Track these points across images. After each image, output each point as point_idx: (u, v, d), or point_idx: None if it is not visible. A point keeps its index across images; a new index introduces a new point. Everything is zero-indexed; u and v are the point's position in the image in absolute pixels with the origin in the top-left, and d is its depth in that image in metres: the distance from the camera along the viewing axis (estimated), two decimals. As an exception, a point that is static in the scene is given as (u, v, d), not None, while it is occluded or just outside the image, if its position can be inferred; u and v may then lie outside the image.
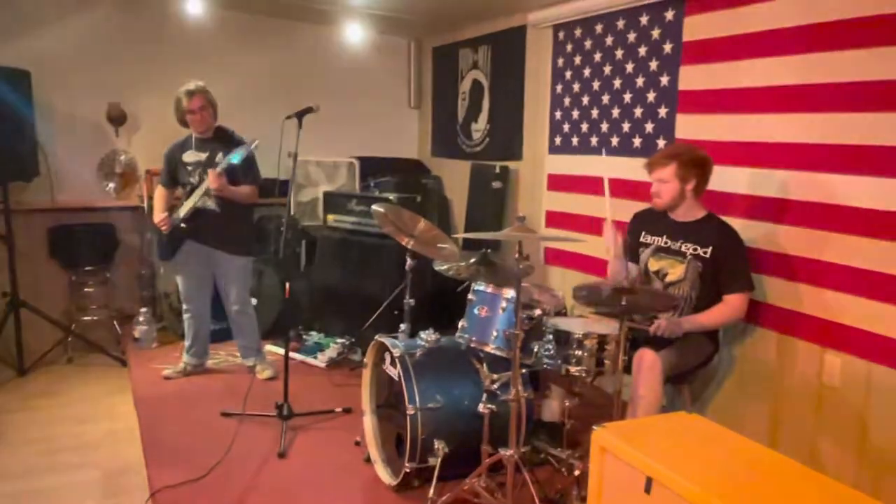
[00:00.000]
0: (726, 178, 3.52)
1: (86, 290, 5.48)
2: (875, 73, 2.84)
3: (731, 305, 3.12)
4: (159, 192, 4.49)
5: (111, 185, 5.58)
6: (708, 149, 3.55)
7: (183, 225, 4.26)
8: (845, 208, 3.02)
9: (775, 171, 3.34)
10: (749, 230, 3.37)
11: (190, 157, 4.29)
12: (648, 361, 2.95)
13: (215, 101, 4.30)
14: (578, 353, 2.90)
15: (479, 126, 5.74)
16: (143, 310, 5.29)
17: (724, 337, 3.49)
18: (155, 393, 4.35)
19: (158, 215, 4.33)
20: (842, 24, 2.97)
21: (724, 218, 3.28)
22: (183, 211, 4.25)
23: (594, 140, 4.50)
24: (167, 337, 5.35)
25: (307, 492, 3.19)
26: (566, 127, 4.74)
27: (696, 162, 3.15)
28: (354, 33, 5.92)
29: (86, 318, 5.42)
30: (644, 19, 4.04)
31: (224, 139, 4.30)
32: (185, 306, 4.53)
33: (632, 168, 3.96)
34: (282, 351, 3.90)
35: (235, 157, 3.98)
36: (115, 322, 5.50)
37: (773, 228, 3.37)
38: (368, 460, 3.36)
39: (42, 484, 3.32)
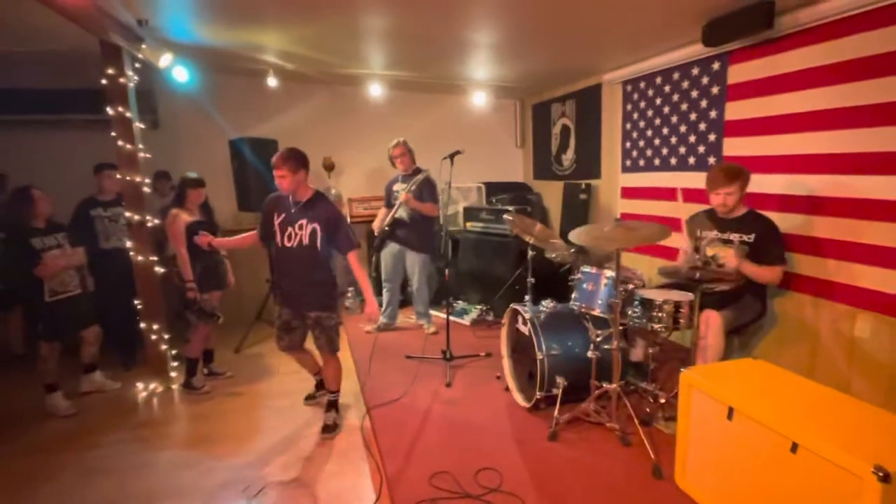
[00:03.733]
0: (764, 183, 3.22)
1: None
2: (880, 97, 2.59)
3: (771, 271, 2.83)
4: (381, 211, 4.66)
5: (326, 209, 5.78)
6: (747, 162, 3.27)
7: (387, 229, 4.39)
8: (863, 200, 2.72)
9: (802, 175, 3.04)
10: (785, 221, 3.04)
11: (398, 186, 4.39)
12: (713, 319, 2.75)
13: (412, 149, 4.39)
14: (659, 314, 2.70)
15: (568, 156, 5.51)
16: (350, 288, 5.45)
17: (770, 301, 3.14)
18: (362, 342, 4.46)
19: (377, 225, 4.58)
20: (853, 62, 2.71)
21: (763, 212, 3.00)
22: (387, 220, 4.37)
23: (657, 161, 4.18)
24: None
25: (468, 410, 3.15)
26: (634, 153, 4.45)
27: (747, 177, 2.92)
28: (479, 98, 5.85)
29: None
30: (696, 70, 3.70)
31: (415, 173, 4.34)
32: (386, 284, 4.61)
33: (687, 179, 3.71)
34: (443, 315, 3.90)
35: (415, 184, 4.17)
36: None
37: (805, 219, 3.04)
38: (507, 389, 3.29)
39: (299, 401, 3.47)
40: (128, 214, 3.69)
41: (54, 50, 3.68)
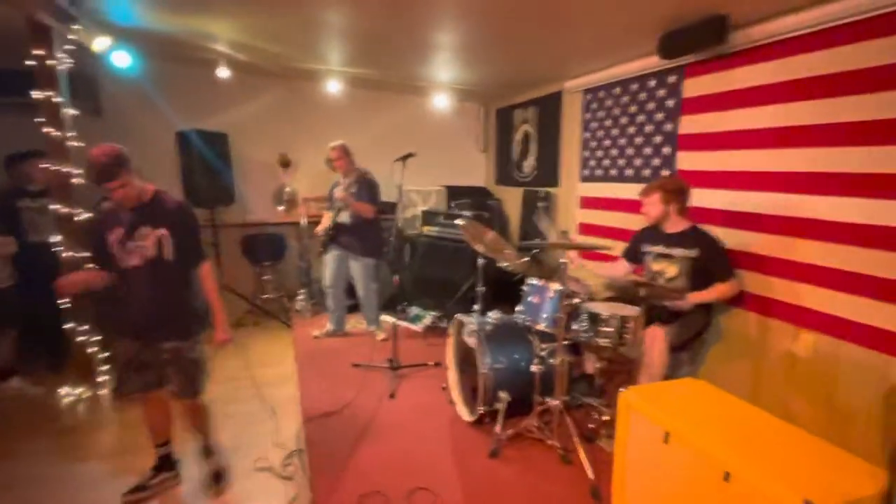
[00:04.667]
0: (713, 198, 3.22)
1: (265, 277, 5.49)
2: (829, 117, 2.58)
3: (728, 287, 2.82)
4: (325, 216, 4.40)
5: (281, 207, 5.58)
6: (699, 176, 3.27)
7: (331, 233, 4.24)
8: (808, 220, 2.72)
9: (748, 192, 3.03)
10: (730, 237, 3.05)
11: (338, 190, 4.20)
12: (658, 335, 2.71)
13: (351, 152, 4.20)
14: (606, 329, 2.64)
15: (529, 163, 5.46)
16: (302, 291, 5.27)
17: (714, 318, 3.13)
18: (309, 348, 4.30)
19: (319, 229, 4.37)
20: (804, 81, 2.70)
21: (709, 226, 3.00)
22: (328, 224, 4.21)
23: (613, 171, 4.15)
24: (317, 309, 5.31)
25: (410, 424, 3.03)
26: (592, 162, 4.41)
27: (672, 192, 2.92)
28: (441, 101, 5.74)
29: (265, 296, 5.43)
30: (653, 82, 3.68)
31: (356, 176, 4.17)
32: (329, 290, 4.45)
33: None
34: (393, 319, 3.77)
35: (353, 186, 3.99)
36: (284, 299, 5.50)
37: (750, 235, 3.03)
38: (452, 402, 3.18)
39: (233, 411, 3.28)
40: (54, 207, 3.43)
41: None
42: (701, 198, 3.22)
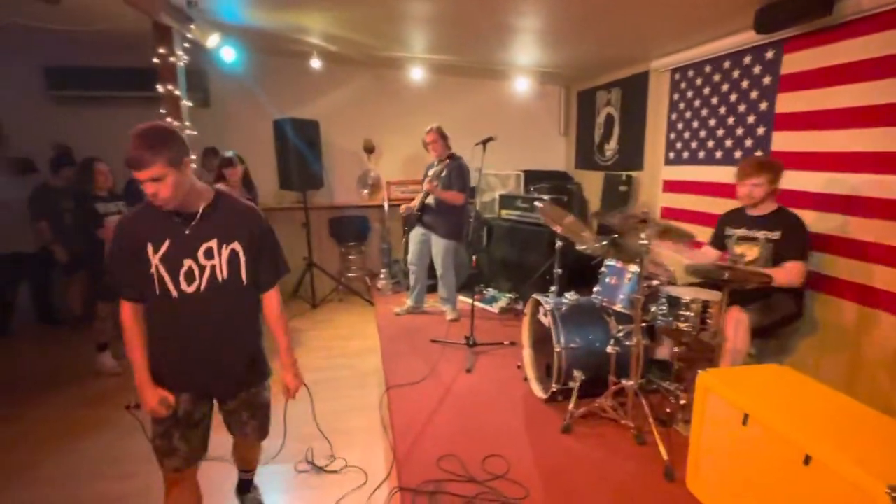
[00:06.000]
0: (809, 181, 3.07)
1: (350, 257, 5.82)
2: None
3: (788, 269, 2.68)
4: (419, 195, 4.50)
5: (365, 191, 5.89)
6: (795, 158, 3.11)
7: (417, 212, 4.41)
8: None
9: (846, 174, 2.86)
10: (825, 221, 2.91)
11: (432, 171, 4.34)
12: (740, 318, 2.64)
13: (446, 135, 4.31)
14: (686, 313, 2.62)
15: (611, 146, 5.36)
16: (384, 270, 5.55)
17: (806, 307, 2.99)
18: (390, 323, 4.55)
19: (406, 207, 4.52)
20: None
21: (799, 210, 2.85)
22: (417, 205, 4.39)
23: (701, 154, 4.01)
24: (397, 288, 5.58)
25: (484, 397, 3.17)
26: (679, 145, 4.27)
27: (778, 171, 2.78)
28: (522, 84, 5.76)
29: (350, 274, 5.77)
30: (747, 59, 3.50)
31: (449, 159, 4.30)
32: (411, 267, 4.63)
33: (732, 174, 3.51)
34: (470, 301, 3.91)
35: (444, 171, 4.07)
36: (366, 277, 5.82)
37: (847, 219, 2.86)
38: (526, 379, 3.28)
39: (323, 377, 3.59)
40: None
41: (113, 30, 3.88)
42: (795, 180, 3.07)
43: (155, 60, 3.67)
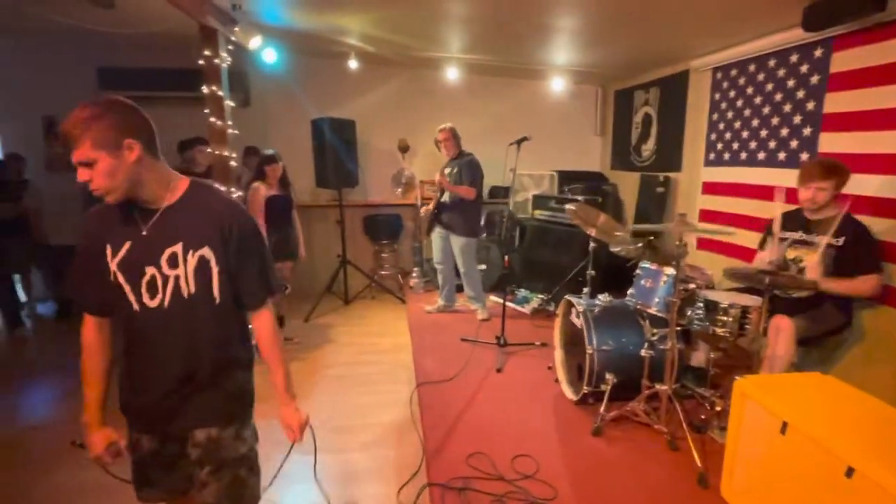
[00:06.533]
0: (861, 184, 2.91)
1: (383, 255, 5.89)
2: None
3: (862, 282, 2.57)
4: (434, 197, 4.61)
5: (399, 190, 5.96)
6: (845, 160, 2.96)
7: (435, 212, 4.46)
8: None
9: None
10: (878, 226, 2.77)
11: (437, 174, 4.41)
12: (784, 326, 2.57)
13: (458, 135, 4.36)
14: (724, 318, 2.57)
15: (648, 147, 5.27)
16: (416, 269, 5.60)
17: (857, 314, 2.87)
18: (421, 321, 4.60)
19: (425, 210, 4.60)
20: None
21: (857, 216, 2.73)
22: (432, 204, 4.43)
23: (743, 155, 3.90)
24: (429, 286, 5.63)
25: (514, 396, 3.17)
26: (720, 146, 4.17)
27: (845, 175, 2.67)
28: (558, 84, 5.72)
29: (382, 272, 5.84)
30: (794, 57, 3.40)
31: (461, 157, 4.37)
32: (438, 266, 4.69)
33: (775, 176, 3.45)
34: (501, 300, 3.92)
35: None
36: (399, 275, 5.88)
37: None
38: (557, 381, 3.27)
39: (354, 371, 3.66)
40: (216, 186, 4.02)
41: (161, 32, 4.05)
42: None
43: (200, 62, 3.81)
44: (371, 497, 2.34)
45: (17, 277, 4.86)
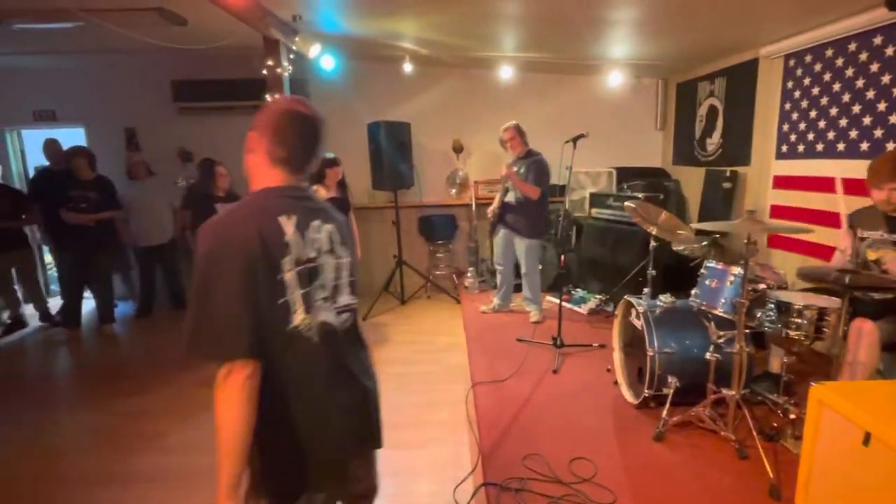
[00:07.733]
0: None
1: (438, 255, 5.96)
2: None
3: None
4: (497, 196, 4.59)
5: (453, 190, 6.00)
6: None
7: (498, 212, 4.46)
8: None
9: None
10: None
11: (504, 167, 4.41)
12: (867, 329, 2.40)
13: (524, 132, 4.36)
14: (798, 320, 2.42)
15: (714, 140, 5.04)
16: (471, 269, 5.62)
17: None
18: (476, 321, 4.61)
19: (490, 209, 4.59)
20: None
21: None
22: (496, 203, 4.43)
23: (820, 146, 3.66)
24: (484, 287, 5.63)
25: (572, 398, 3.13)
26: (793, 137, 3.93)
27: None
28: (615, 78, 5.56)
29: (438, 272, 5.91)
30: (877, 40, 3.15)
31: (528, 156, 4.35)
32: (498, 267, 4.69)
33: (857, 168, 3.18)
34: (557, 301, 3.87)
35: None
36: (454, 275, 5.93)
37: None
38: (616, 383, 3.19)
39: (411, 370, 3.73)
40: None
41: (228, 46, 4.28)
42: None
43: (263, 72, 4.01)
44: (426, 494, 2.38)
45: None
